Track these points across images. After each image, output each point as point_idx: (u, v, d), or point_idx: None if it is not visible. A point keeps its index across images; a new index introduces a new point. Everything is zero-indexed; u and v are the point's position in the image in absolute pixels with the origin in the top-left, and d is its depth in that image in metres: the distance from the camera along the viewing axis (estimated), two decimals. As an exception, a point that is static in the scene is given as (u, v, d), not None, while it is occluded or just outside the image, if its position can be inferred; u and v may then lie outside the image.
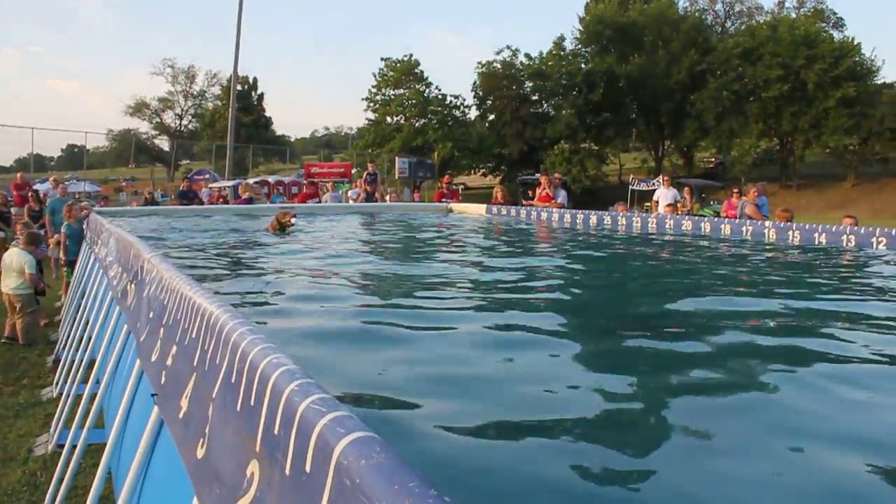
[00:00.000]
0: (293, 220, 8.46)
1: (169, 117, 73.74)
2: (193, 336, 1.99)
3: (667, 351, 2.81)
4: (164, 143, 75.06)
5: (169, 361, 2.25)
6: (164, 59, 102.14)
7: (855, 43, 45.06)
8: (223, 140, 46.25)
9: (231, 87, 40.04)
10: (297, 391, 1.14)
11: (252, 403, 1.33)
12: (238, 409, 1.40)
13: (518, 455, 1.73)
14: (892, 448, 1.80)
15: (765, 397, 2.18)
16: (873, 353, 2.78)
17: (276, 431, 1.17)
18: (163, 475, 2.14)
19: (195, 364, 1.88)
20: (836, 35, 48.20)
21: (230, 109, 38.61)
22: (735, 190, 15.96)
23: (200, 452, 1.59)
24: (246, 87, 66.43)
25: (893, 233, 6.85)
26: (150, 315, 2.91)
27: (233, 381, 1.48)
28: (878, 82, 46.43)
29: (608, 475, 1.60)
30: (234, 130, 38.06)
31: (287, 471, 1.09)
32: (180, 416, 1.89)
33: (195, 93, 72.66)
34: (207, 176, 39.91)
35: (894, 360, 2.67)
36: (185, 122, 73.57)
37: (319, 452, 0.98)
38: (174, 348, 2.23)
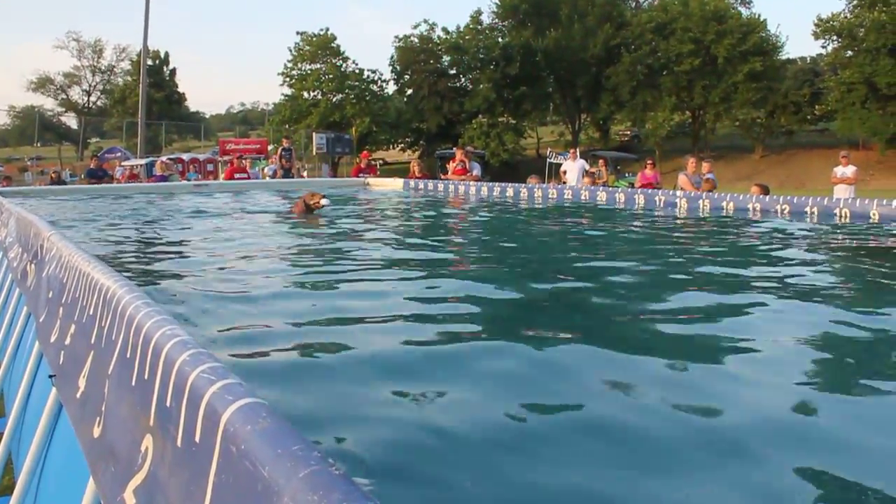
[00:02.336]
0: (322, 202, 7.70)
1: (76, 93, 70.49)
2: (91, 313, 1.92)
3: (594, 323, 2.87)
4: (71, 121, 71.87)
5: (67, 341, 2.17)
6: (69, 31, 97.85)
7: (761, 19, 46.56)
8: (134, 117, 44.71)
9: (141, 62, 38.61)
10: (189, 361, 1.11)
11: (146, 377, 1.29)
12: (133, 383, 1.36)
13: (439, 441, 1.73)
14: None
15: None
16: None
17: (168, 404, 1.14)
18: (62, 458, 2.07)
19: (92, 341, 1.82)
20: (744, 12, 49.61)
21: (141, 85, 37.20)
22: (649, 161, 16.33)
23: (97, 431, 1.54)
24: (157, 61, 64.10)
25: (795, 200, 7.15)
26: (50, 294, 2.80)
27: (128, 355, 1.44)
28: (783, 58, 48.25)
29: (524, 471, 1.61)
30: (145, 107, 36.79)
31: (178, 442, 1.05)
32: (78, 395, 1.82)
33: (103, 68, 69.70)
34: (119, 154, 38.60)
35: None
36: (93, 98, 70.50)
37: (208, 421, 0.95)
38: (73, 327, 2.14)
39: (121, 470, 1.30)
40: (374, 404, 1.86)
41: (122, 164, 28.98)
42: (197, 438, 0.98)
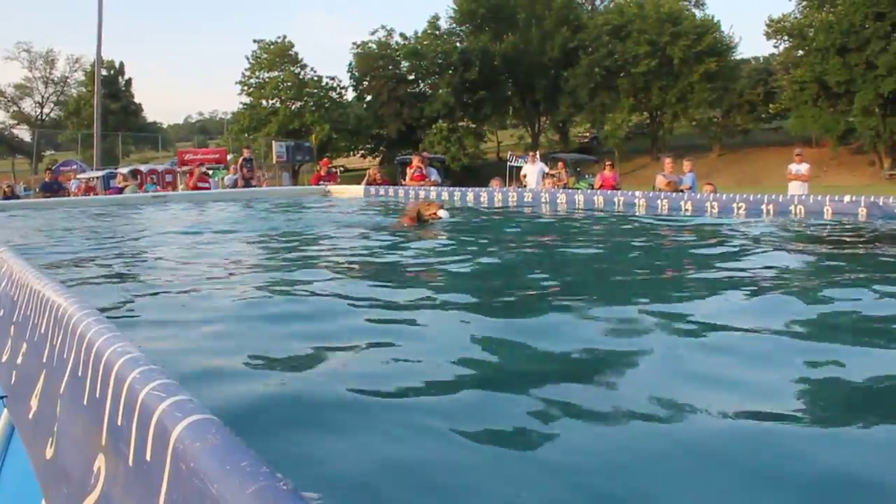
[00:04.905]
0: (440, 213, 6.67)
1: (28, 105, 68.94)
2: (42, 331, 1.89)
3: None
4: (24, 134, 70.22)
5: (19, 360, 2.12)
6: (18, 42, 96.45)
7: (715, 21, 47.37)
8: (90, 129, 43.99)
9: (95, 72, 38.04)
10: (139, 378, 1.10)
11: (97, 396, 1.27)
12: (84, 402, 1.34)
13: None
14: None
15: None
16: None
17: (119, 422, 1.12)
18: (14, 481, 2.02)
19: (44, 360, 1.78)
20: (698, 13, 50.37)
21: (95, 96, 36.69)
22: (608, 163, 16.51)
23: (49, 452, 1.51)
24: (112, 72, 63.04)
25: (751, 198, 7.28)
26: (1, 313, 2.74)
27: (79, 374, 1.42)
28: (737, 58, 49.17)
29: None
30: (100, 118, 36.25)
31: (130, 462, 1.04)
32: (30, 416, 1.79)
33: (56, 79, 68.43)
34: (75, 167, 37.88)
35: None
36: (46, 110, 69.10)
37: (158, 439, 0.94)
38: (24, 346, 2.10)
39: (74, 491, 1.28)
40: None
41: (78, 176, 28.45)
42: (148, 457, 0.97)
